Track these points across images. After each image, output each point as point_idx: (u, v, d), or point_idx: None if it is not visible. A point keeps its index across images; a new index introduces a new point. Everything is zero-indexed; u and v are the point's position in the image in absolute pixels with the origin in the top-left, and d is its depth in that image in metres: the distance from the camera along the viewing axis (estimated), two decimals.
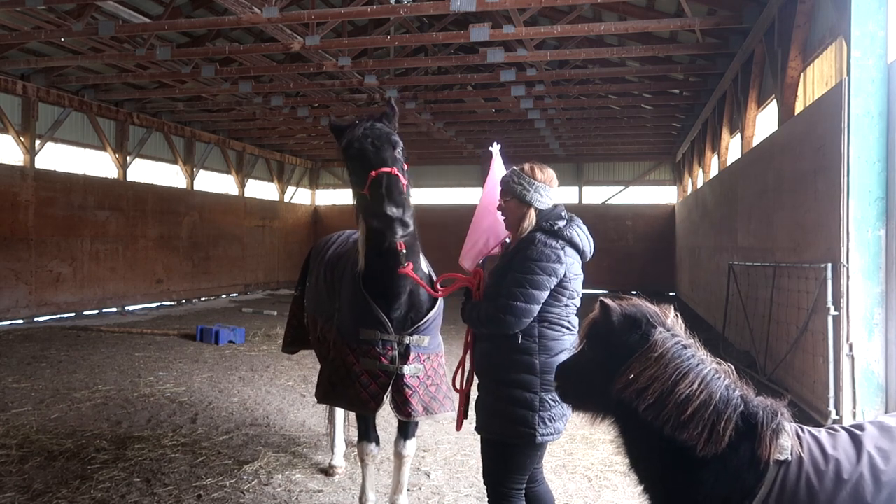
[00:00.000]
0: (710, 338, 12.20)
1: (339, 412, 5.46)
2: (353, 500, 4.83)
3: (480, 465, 3.57)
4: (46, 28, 11.35)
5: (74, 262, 15.54)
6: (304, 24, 11.02)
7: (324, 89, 15.74)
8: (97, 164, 17.38)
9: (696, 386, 2.26)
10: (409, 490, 4.85)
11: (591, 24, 11.20)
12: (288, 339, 5.70)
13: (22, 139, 14.71)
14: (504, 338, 3.14)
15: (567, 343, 3.19)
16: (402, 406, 3.95)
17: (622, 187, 25.34)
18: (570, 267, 3.17)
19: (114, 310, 16.70)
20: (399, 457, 4.28)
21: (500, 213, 3.40)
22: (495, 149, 3.75)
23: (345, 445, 5.58)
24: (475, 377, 3.44)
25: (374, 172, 3.51)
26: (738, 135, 12.70)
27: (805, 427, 2.39)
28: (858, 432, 2.32)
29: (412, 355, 3.94)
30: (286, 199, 26.20)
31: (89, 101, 16.12)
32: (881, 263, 6.16)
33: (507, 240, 3.46)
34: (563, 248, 3.14)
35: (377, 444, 4.30)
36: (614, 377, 2.38)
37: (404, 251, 3.67)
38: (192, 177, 20.40)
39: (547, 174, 3.34)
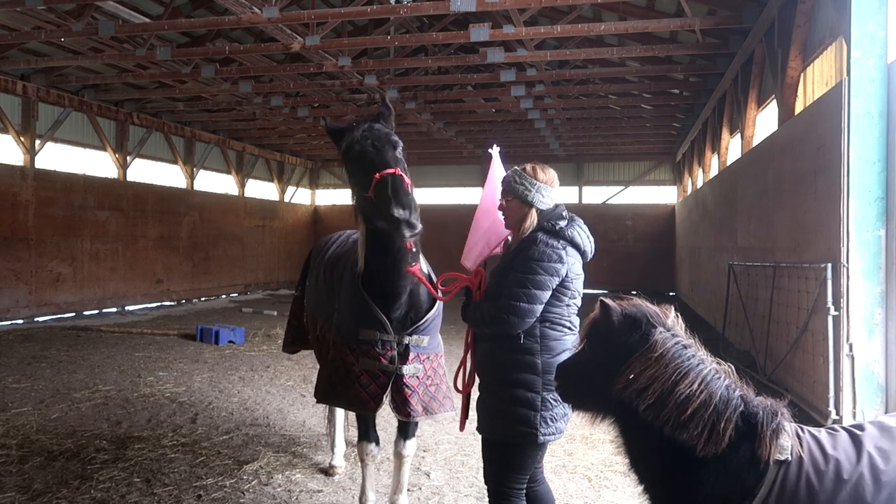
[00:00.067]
0: (710, 338, 12.20)
1: (339, 412, 5.46)
2: (353, 500, 4.83)
3: (481, 465, 3.57)
4: (46, 28, 11.35)
5: (74, 262, 15.54)
6: (304, 24, 11.03)
7: (324, 89, 15.74)
8: (97, 164, 17.38)
9: (696, 386, 2.26)
10: (409, 490, 4.85)
11: (591, 24, 11.20)
12: (288, 339, 5.70)
13: (22, 139, 14.71)
14: (506, 338, 3.14)
15: (569, 343, 3.19)
16: (402, 406, 3.94)
17: (622, 187, 25.34)
18: (572, 267, 3.18)
19: (114, 310, 16.70)
20: (399, 457, 4.27)
21: (500, 212, 3.39)
22: (495, 151, 3.75)
23: (345, 445, 5.58)
24: (476, 377, 3.43)
25: (378, 175, 3.48)
26: (738, 135, 12.70)
27: (805, 427, 2.39)
28: (858, 432, 2.32)
29: (411, 355, 3.93)
30: (286, 199, 26.20)
31: (89, 101, 16.12)
32: (881, 263, 6.16)
33: (510, 238, 3.46)
34: (564, 248, 3.15)
35: (377, 444, 4.30)
36: (614, 377, 2.38)
37: (414, 250, 3.71)
38: (192, 177, 20.40)
39: (548, 175, 3.34)
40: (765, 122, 11.55)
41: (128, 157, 17.80)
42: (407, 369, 3.92)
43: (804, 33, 8.77)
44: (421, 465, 5.59)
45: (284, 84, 15.12)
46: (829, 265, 6.42)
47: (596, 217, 23.75)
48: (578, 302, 3.29)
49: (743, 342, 10.38)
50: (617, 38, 13.38)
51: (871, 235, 6.16)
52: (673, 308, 2.57)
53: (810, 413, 6.91)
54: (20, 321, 14.14)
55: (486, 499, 3.35)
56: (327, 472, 5.41)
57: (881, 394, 6.15)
